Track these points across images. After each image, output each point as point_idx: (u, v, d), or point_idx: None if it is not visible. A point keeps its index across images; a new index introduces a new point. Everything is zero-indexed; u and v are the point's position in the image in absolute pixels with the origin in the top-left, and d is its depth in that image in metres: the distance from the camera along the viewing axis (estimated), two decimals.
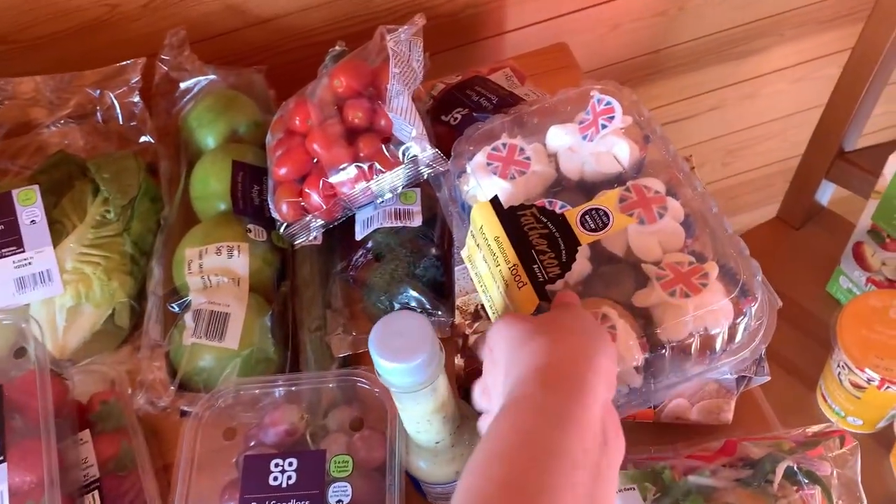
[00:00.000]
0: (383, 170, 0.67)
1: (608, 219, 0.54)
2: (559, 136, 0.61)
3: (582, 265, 0.53)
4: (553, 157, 0.61)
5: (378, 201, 0.69)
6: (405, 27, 0.72)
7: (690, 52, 1.19)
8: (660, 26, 1.13)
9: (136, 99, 0.80)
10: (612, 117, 0.59)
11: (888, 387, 0.82)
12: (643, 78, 1.21)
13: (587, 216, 0.54)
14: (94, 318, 0.70)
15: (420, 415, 0.50)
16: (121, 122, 0.80)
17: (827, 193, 1.13)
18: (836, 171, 1.06)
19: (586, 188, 0.59)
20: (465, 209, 0.59)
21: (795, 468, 0.48)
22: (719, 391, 0.58)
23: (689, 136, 1.39)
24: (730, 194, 1.59)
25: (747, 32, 1.20)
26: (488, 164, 0.59)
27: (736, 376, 0.57)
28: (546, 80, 0.88)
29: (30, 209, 0.71)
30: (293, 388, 0.59)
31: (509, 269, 0.52)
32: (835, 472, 0.50)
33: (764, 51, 1.25)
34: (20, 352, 0.61)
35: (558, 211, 0.55)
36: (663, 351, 0.50)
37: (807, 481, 0.48)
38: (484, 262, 0.55)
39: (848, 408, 0.90)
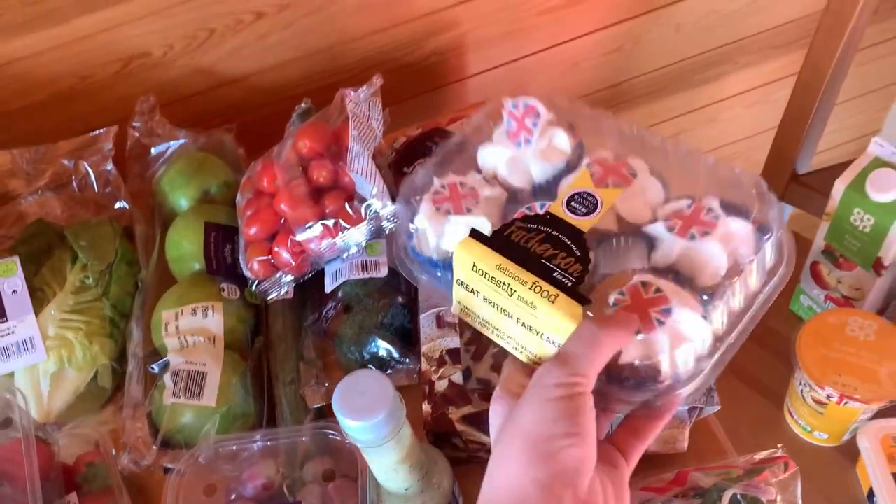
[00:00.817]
0: (348, 226, 0.70)
1: (595, 198, 0.52)
2: (493, 154, 0.58)
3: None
4: (495, 178, 0.58)
5: (344, 255, 0.73)
6: (364, 88, 0.75)
7: (650, 83, 1.24)
8: (618, 61, 1.17)
9: (110, 166, 0.83)
10: (538, 113, 0.57)
11: (847, 402, 0.85)
12: (606, 110, 1.25)
13: (573, 203, 0.52)
14: (78, 382, 0.73)
15: (387, 465, 0.53)
16: (96, 190, 0.83)
17: (785, 215, 1.17)
18: (791, 193, 1.10)
19: (543, 189, 0.57)
20: (436, 265, 0.55)
21: (739, 497, 0.51)
22: (672, 421, 0.61)
23: None
24: None
25: (703, 61, 1.25)
26: (438, 209, 0.55)
27: (687, 407, 0.61)
28: None
29: (11, 280, 0.74)
30: (269, 443, 0.62)
31: (530, 289, 0.47)
32: (778, 498, 0.53)
33: (720, 78, 1.30)
34: (6, 422, 0.64)
35: (541, 211, 0.52)
36: (707, 300, 0.48)
37: None
38: (489, 305, 0.50)
39: (813, 423, 0.93)
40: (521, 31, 1.05)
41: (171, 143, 0.84)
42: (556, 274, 0.48)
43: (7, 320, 0.72)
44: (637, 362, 0.46)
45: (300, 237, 0.70)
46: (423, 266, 0.55)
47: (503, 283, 0.48)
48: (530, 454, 0.42)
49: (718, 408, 0.62)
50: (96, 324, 0.74)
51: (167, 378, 0.67)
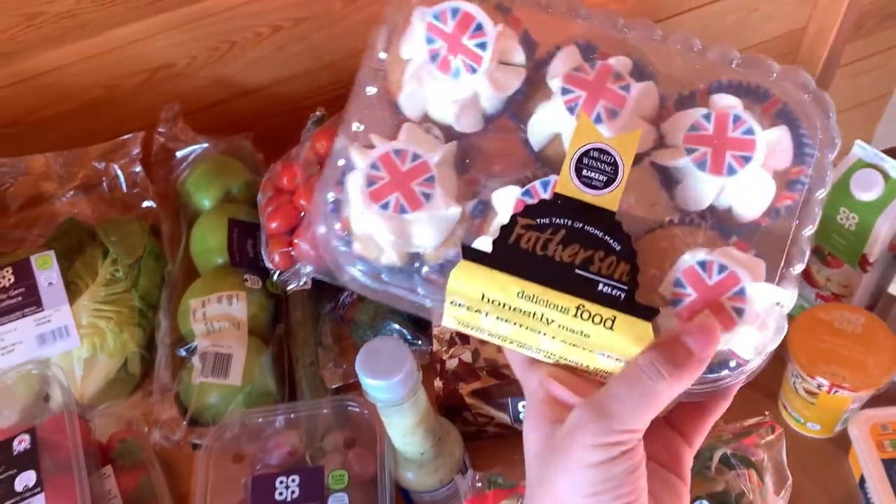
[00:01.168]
0: None
1: (611, 155, 0.39)
2: (419, 97, 0.43)
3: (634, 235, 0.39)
4: (427, 119, 0.44)
5: None
6: None
7: None
8: None
9: (138, 169, 0.88)
10: (480, 26, 0.42)
11: (836, 391, 0.89)
12: None
13: (584, 171, 0.39)
14: (109, 368, 0.77)
15: (405, 427, 0.57)
16: (124, 190, 0.88)
17: None
18: None
19: (500, 126, 0.44)
20: (397, 271, 0.42)
21: (730, 455, 0.56)
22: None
23: None
24: None
25: None
26: (383, 207, 0.40)
27: None
28: None
29: (47, 272, 0.79)
30: (292, 416, 0.66)
31: (575, 316, 0.37)
32: (765, 457, 0.57)
33: None
34: (45, 398, 0.68)
35: (548, 196, 0.39)
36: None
37: (741, 465, 0.55)
38: (509, 324, 0.39)
39: (806, 414, 0.97)
40: None
41: (195, 147, 0.89)
42: (602, 287, 0.37)
43: (44, 310, 0.76)
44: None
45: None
46: (375, 275, 0.42)
47: (533, 314, 0.38)
48: None
49: None
50: (126, 313, 0.78)
51: (195, 360, 0.72)
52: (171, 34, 0.90)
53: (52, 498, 0.60)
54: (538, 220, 0.38)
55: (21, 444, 0.62)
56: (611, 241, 0.38)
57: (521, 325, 0.38)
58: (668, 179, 0.42)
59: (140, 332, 0.79)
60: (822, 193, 0.41)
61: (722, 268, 0.38)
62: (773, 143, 0.40)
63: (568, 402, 0.38)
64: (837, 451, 0.98)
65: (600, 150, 0.39)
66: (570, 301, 0.37)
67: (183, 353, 0.75)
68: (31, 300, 0.77)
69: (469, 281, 0.38)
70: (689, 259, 0.38)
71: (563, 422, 0.36)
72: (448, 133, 0.43)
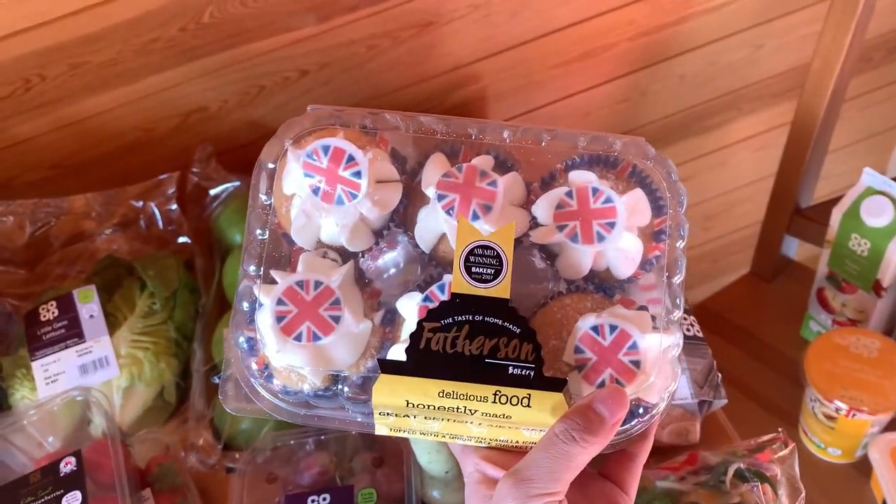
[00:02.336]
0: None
1: (493, 249, 0.43)
2: (312, 232, 0.47)
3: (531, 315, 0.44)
4: (321, 246, 0.47)
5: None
6: None
7: (657, 130, 1.33)
8: (626, 111, 1.27)
9: (173, 206, 0.92)
10: (352, 157, 0.46)
11: (855, 414, 0.91)
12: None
13: (473, 268, 0.43)
14: (146, 396, 0.81)
15: (429, 446, 0.60)
16: (161, 227, 0.93)
17: (792, 247, 1.24)
18: (795, 226, 1.18)
19: (387, 237, 0.48)
20: (321, 395, 0.45)
21: (744, 469, 0.58)
22: (684, 415, 0.68)
23: None
24: (713, 257, 1.70)
25: (707, 110, 1.34)
26: (296, 340, 0.43)
27: (697, 401, 0.67)
28: None
29: (88, 305, 0.83)
30: (322, 438, 0.69)
31: (494, 402, 0.41)
32: (779, 471, 0.59)
33: (725, 124, 1.39)
34: (87, 424, 0.72)
35: (446, 297, 0.43)
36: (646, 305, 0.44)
37: (755, 479, 0.57)
38: (436, 421, 0.43)
39: (826, 439, 0.98)
40: (536, 84, 1.15)
41: (227, 185, 0.94)
42: (511, 370, 0.41)
43: (86, 341, 0.80)
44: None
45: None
46: (302, 403, 0.45)
47: (457, 409, 0.41)
48: None
49: (726, 401, 0.68)
50: (163, 344, 0.82)
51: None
52: (204, 80, 0.95)
53: None
54: (442, 322, 0.41)
55: (67, 465, 0.66)
56: (511, 327, 0.41)
57: (448, 420, 0.42)
58: (549, 254, 0.46)
59: (176, 361, 0.82)
60: (681, 243, 0.46)
61: (613, 328, 0.42)
62: (631, 205, 0.45)
63: (497, 477, 0.41)
64: (859, 476, 0.99)
65: (483, 247, 0.43)
66: (486, 390, 0.40)
67: (217, 380, 0.78)
68: (73, 332, 0.81)
69: (391, 392, 0.41)
70: (583, 326, 0.42)
71: (490, 498, 0.40)
72: (343, 253, 0.46)
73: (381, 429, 0.43)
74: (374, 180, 0.46)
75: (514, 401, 0.40)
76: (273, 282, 0.44)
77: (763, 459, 0.61)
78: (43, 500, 0.64)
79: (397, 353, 0.42)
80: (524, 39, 1.08)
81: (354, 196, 0.45)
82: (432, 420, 0.42)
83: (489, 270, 0.42)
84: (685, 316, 0.72)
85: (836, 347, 0.96)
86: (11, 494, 0.65)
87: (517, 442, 0.43)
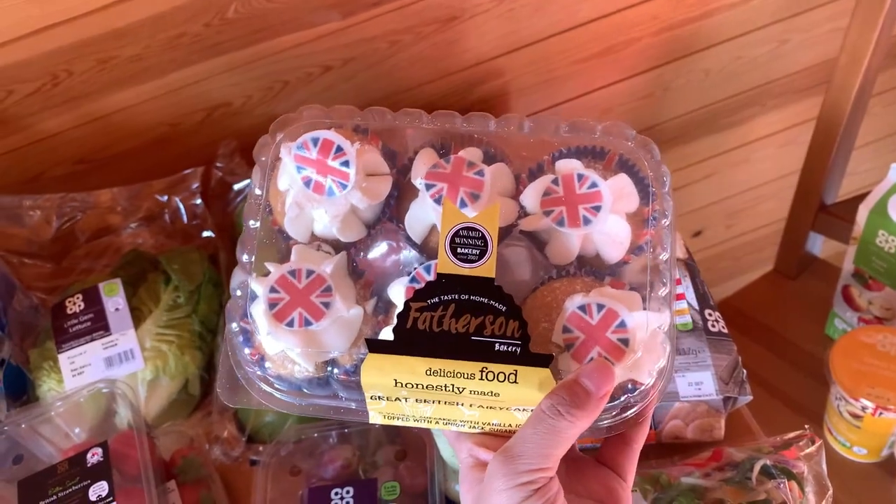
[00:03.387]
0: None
1: (478, 230, 0.43)
2: (304, 222, 0.47)
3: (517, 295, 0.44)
4: (327, 248, 0.48)
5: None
6: None
7: (680, 127, 1.32)
8: (649, 107, 1.26)
9: (198, 201, 0.93)
10: (340, 148, 0.47)
11: (881, 413, 0.90)
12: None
13: (458, 249, 0.43)
14: (171, 389, 0.81)
15: None
16: (185, 222, 0.93)
17: (817, 244, 1.23)
18: (820, 223, 1.17)
19: (379, 229, 0.48)
20: (315, 383, 0.45)
21: (771, 466, 0.57)
22: (709, 411, 0.67)
23: (690, 202, 1.50)
24: (736, 254, 1.69)
25: (731, 105, 1.33)
26: (287, 324, 0.44)
27: (722, 397, 0.67)
28: None
29: (114, 299, 0.83)
30: (345, 431, 0.69)
31: (481, 379, 0.41)
32: (806, 469, 0.59)
33: (749, 120, 1.38)
34: (113, 416, 0.73)
35: (432, 278, 0.43)
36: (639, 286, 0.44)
37: (782, 476, 0.57)
38: (427, 404, 0.43)
39: (851, 438, 0.97)
40: (558, 80, 1.14)
41: (250, 180, 0.94)
42: (498, 346, 0.41)
43: (111, 334, 0.81)
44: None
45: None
46: (296, 391, 0.45)
47: (444, 387, 0.41)
48: None
49: (751, 398, 0.68)
50: (187, 337, 0.83)
51: None
52: (228, 75, 0.96)
53: None
54: (428, 301, 0.42)
55: (94, 456, 0.66)
56: (497, 305, 0.42)
57: (438, 402, 0.42)
58: (538, 243, 0.46)
59: (200, 354, 0.83)
60: (666, 222, 0.46)
61: (600, 307, 0.42)
62: (617, 189, 0.46)
63: (489, 460, 0.41)
64: (886, 477, 0.98)
65: (468, 228, 0.43)
66: (473, 367, 0.41)
67: None
68: (99, 325, 0.81)
69: (379, 371, 0.41)
70: (570, 305, 0.42)
71: (482, 480, 0.40)
72: (337, 245, 0.47)
73: (375, 416, 0.44)
74: (364, 172, 0.47)
75: (501, 377, 0.41)
76: (267, 273, 0.45)
77: (789, 456, 0.60)
78: (70, 489, 0.64)
79: (386, 334, 0.43)
80: (547, 34, 1.07)
81: (344, 186, 0.46)
82: (423, 403, 0.42)
83: (474, 251, 0.43)
84: (710, 311, 0.72)
85: (861, 345, 0.95)
86: (40, 484, 0.65)
87: (509, 425, 0.43)
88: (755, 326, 1.18)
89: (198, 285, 0.86)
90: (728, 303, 1.23)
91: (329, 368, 0.44)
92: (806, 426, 0.62)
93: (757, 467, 0.57)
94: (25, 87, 0.88)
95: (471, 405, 0.42)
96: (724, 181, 1.49)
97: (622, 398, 0.43)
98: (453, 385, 0.41)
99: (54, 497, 0.64)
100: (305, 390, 0.45)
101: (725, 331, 0.71)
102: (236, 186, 0.94)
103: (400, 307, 0.43)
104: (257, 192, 0.49)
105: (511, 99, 1.14)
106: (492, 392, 0.41)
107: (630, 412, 0.43)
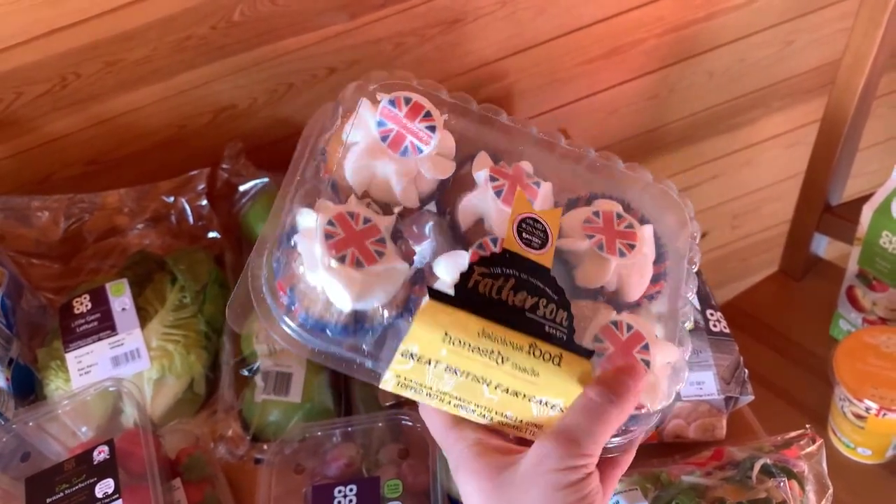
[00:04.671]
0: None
1: (541, 224, 0.45)
2: (367, 168, 0.47)
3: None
4: (366, 196, 0.48)
5: None
6: None
7: (686, 127, 1.32)
8: (654, 107, 1.26)
9: (204, 202, 0.94)
10: (429, 114, 0.48)
11: (885, 414, 0.90)
12: (644, 154, 1.34)
13: (524, 234, 0.45)
14: (176, 388, 0.82)
15: None
16: (191, 223, 0.94)
17: (822, 245, 1.23)
18: (824, 224, 1.17)
19: (439, 200, 0.50)
20: (341, 330, 0.44)
21: (771, 464, 0.58)
22: (711, 411, 0.68)
23: (695, 203, 1.48)
24: (742, 255, 1.69)
25: (736, 106, 1.33)
26: (340, 259, 0.43)
27: (724, 396, 0.67)
28: None
29: (120, 299, 0.84)
30: (349, 430, 0.70)
31: (528, 353, 0.41)
32: (806, 468, 0.59)
33: (754, 122, 1.38)
34: (119, 414, 0.74)
35: (496, 248, 0.45)
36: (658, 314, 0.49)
37: (782, 475, 0.57)
38: (453, 375, 0.42)
39: (855, 439, 0.97)
40: (562, 81, 1.15)
41: (256, 182, 0.95)
42: (548, 328, 0.42)
43: (118, 333, 0.82)
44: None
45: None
46: (319, 332, 0.44)
47: (490, 352, 0.41)
48: None
49: (752, 398, 0.68)
50: (193, 337, 0.83)
51: (258, 379, 0.77)
52: (234, 78, 0.96)
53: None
54: (492, 269, 0.42)
55: (100, 454, 0.67)
56: (550, 292, 0.43)
57: (467, 376, 0.41)
58: (566, 265, 0.48)
59: (206, 354, 0.84)
60: (689, 294, 0.50)
61: (629, 326, 0.44)
62: (646, 238, 0.49)
63: (511, 447, 0.42)
64: (890, 477, 0.98)
65: (534, 220, 0.45)
66: (524, 339, 0.41)
67: (246, 373, 0.80)
68: (105, 325, 0.82)
69: (433, 320, 0.40)
70: (603, 319, 0.45)
71: (510, 464, 0.40)
72: (385, 212, 0.47)
73: (389, 380, 0.42)
74: (437, 148, 0.48)
75: (547, 357, 0.41)
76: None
77: (790, 456, 0.60)
78: (77, 487, 0.65)
79: (444, 287, 0.42)
80: (551, 36, 1.08)
81: (420, 150, 0.47)
82: (450, 374, 0.41)
83: (537, 240, 0.44)
84: (712, 312, 0.72)
85: (866, 346, 0.95)
86: (47, 481, 0.66)
87: (519, 421, 0.43)
88: (760, 327, 1.18)
89: (204, 285, 0.87)
90: (733, 304, 1.23)
91: (360, 321, 0.43)
92: (807, 426, 0.62)
93: (757, 466, 0.57)
94: (35, 89, 0.89)
95: (497, 387, 0.41)
96: (730, 183, 1.49)
97: (629, 424, 0.43)
98: (500, 353, 0.41)
99: (61, 494, 0.65)
100: (330, 334, 0.43)
101: (727, 331, 0.71)
102: (242, 187, 0.95)
103: (446, 279, 0.43)
104: (325, 137, 0.50)
105: (514, 100, 1.15)
106: (532, 370, 0.41)
107: (630, 434, 0.44)
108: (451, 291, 0.41)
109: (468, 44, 1.04)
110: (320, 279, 0.42)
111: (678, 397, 0.46)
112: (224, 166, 0.96)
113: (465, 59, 1.06)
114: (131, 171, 0.99)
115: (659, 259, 0.50)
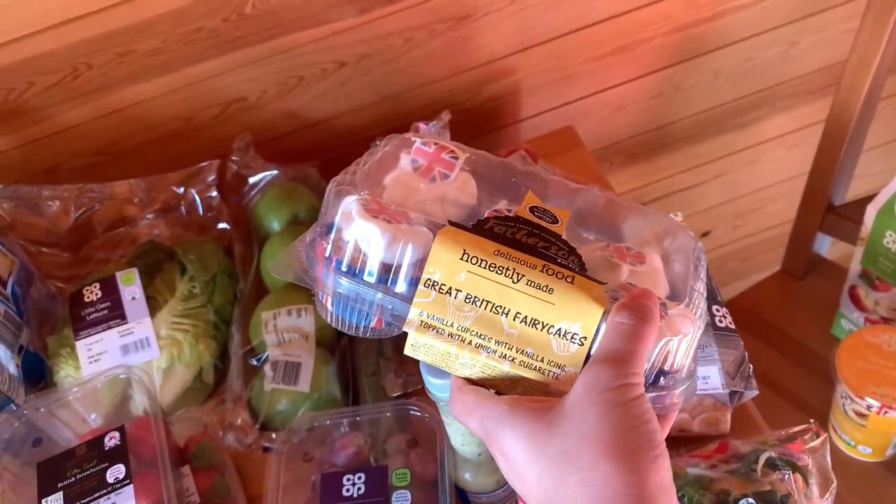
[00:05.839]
0: None
1: (551, 212, 0.49)
2: (404, 184, 0.52)
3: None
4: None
5: None
6: (434, 122, 0.86)
7: (690, 126, 1.33)
8: (659, 106, 1.27)
9: (213, 193, 0.94)
10: (453, 151, 0.53)
11: (887, 412, 0.91)
12: (649, 152, 1.34)
13: (536, 213, 0.49)
14: (185, 377, 0.83)
15: (464, 428, 0.61)
16: (200, 213, 0.95)
17: (825, 245, 1.23)
18: (827, 223, 1.17)
19: None
20: (381, 279, 0.45)
21: (776, 457, 0.58)
22: (715, 405, 0.68)
23: (698, 202, 1.51)
24: (743, 255, 1.70)
25: (741, 106, 1.33)
26: (376, 217, 0.46)
27: (729, 391, 0.68)
28: (556, 159, 1.01)
29: (130, 288, 0.85)
30: (357, 419, 0.71)
31: (542, 271, 0.43)
32: (810, 461, 0.60)
33: (759, 121, 1.38)
34: (129, 401, 0.74)
35: (511, 213, 0.48)
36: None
37: (786, 468, 0.58)
38: (472, 305, 0.44)
39: (856, 436, 0.98)
40: (570, 78, 1.15)
41: (265, 174, 0.96)
42: (560, 260, 0.44)
43: (128, 322, 0.82)
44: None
45: None
46: (349, 277, 0.46)
47: (506, 270, 0.43)
48: (619, 468, 0.37)
49: (757, 392, 0.69)
50: (202, 326, 0.84)
51: (267, 368, 0.77)
52: (245, 70, 0.97)
53: (140, 490, 0.65)
54: (507, 222, 0.47)
55: (112, 440, 0.68)
56: (562, 245, 0.46)
57: (486, 305, 0.43)
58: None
59: (214, 343, 0.85)
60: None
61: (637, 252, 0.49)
62: (656, 260, 0.50)
63: (550, 399, 0.42)
64: (890, 475, 0.99)
65: (544, 210, 0.49)
66: (537, 261, 0.44)
67: (255, 362, 0.80)
68: (116, 313, 0.83)
69: (453, 241, 0.44)
70: (619, 277, 0.47)
71: (555, 405, 0.41)
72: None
73: (413, 319, 0.45)
74: (459, 183, 0.52)
75: (560, 276, 0.43)
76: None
77: (794, 449, 0.61)
78: (88, 472, 0.66)
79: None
80: (560, 33, 1.08)
81: (447, 176, 0.52)
82: (470, 305, 0.43)
83: (548, 217, 0.48)
84: (718, 307, 0.73)
85: (867, 345, 0.95)
86: (59, 466, 0.67)
87: (541, 359, 0.44)
88: (762, 326, 1.19)
89: (213, 276, 0.88)
90: (736, 302, 1.24)
91: (388, 271, 0.46)
92: (811, 420, 0.63)
93: (762, 459, 0.58)
94: (46, 79, 0.90)
95: (515, 316, 0.43)
96: (733, 182, 1.50)
97: (660, 381, 0.44)
98: (515, 270, 0.43)
99: (73, 479, 0.66)
100: (363, 277, 0.45)
101: (732, 326, 0.72)
102: (251, 179, 0.96)
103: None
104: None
105: (522, 97, 1.15)
106: (548, 287, 0.43)
107: (662, 393, 0.44)
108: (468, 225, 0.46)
109: (477, 39, 1.04)
110: (355, 230, 0.46)
111: (693, 385, 0.46)
112: (234, 158, 0.97)
113: (474, 55, 1.07)
114: (140, 163, 0.99)
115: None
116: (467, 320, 0.44)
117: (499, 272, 0.43)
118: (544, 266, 0.43)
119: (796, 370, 1.14)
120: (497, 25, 1.03)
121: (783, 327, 1.19)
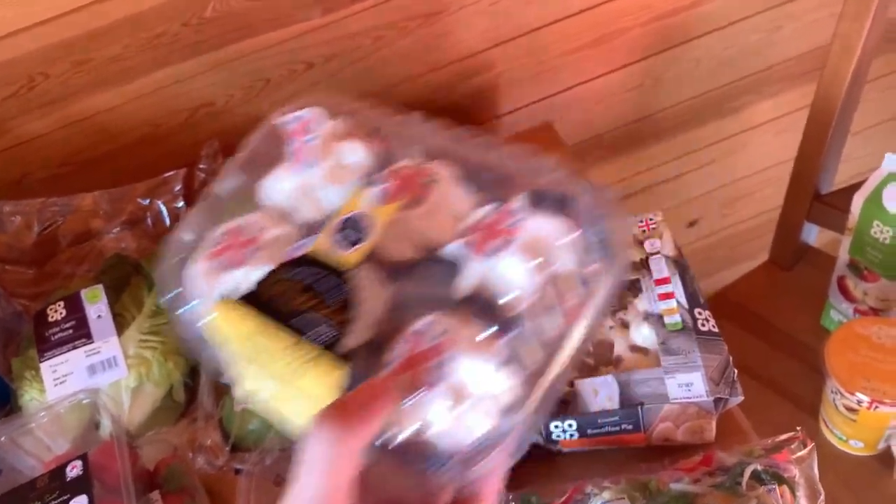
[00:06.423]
0: None
1: (366, 221, 0.44)
2: (276, 186, 0.49)
3: (371, 292, 0.42)
4: (285, 214, 0.49)
5: None
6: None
7: (675, 116, 1.31)
8: (641, 97, 1.24)
9: (181, 204, 0.92)
10: (311, 128, 0.49)
11: (877, 407, 0.89)
12: (634, 143, 1.32)
13: (347, 230, 0.44)
14: (155, 396, 0.80)
15: None
16: (168, 225, 0.92)
17: (812, 234, 1.21)
18: (814, 212, 1.15)
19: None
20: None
21: (761, 470, 0.56)
22: (699, 413, 0.66)
23: (687, 191, 1.49)
24: (732, 243, 1.68)
25: (725, 94, 1.31)
26: (215, 265, 0.45)
27: (713, 398, 0.66)
28: None
29: (96, 305, 0.82)
30: None
31: (292, 349, 0.40)
32: (797, 472, 0.57)
33: (745, 108, 1.36)
34: (97, 426, 0.72)
35: (297, 253, 0.43)
36: (519, 328, 0.40)
37: (772, 481, 0.56)
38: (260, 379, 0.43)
39: (847, 431, 0.96)
40: (550, 71, 1.13)
41: None
42: (319, 328, 0.40)
43: (94, 341, 0.80)
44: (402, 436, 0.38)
45: None
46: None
47: (266, 352, 0.41)
48: None
49: (742, 398, 0.66)
50: (170, 343, 0.81)
51: None
52: (210, 75, 0.94)
53: None
54: (288, 276, 0.43)
55: (74, 470, 0.65)
56: (339, 291, 0.42)
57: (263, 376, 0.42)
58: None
59: (184, 360, 0.82)
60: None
61: (444, 331, 0.39)
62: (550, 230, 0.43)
63: None
64: (883, 470, 0.97)
65: (362, 216, 0.44)
66: (288, 340, 0.40)
67: (225, 380, 0.78)
68: (81, 332, 0.80)
69: (224, 318, 0.43)
70: (416, 325, 0.40)
71: None
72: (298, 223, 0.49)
73: (238, 390, 0.46)
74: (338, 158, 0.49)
75: (305, 357, 0.40)
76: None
77: (781, 459, 0.59)
78: None
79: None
80: (537, 25, 1.06)
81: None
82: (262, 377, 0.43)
83: (355, 235, 0.44)
84: (700, 311, 0.71)
85: (857, 337, 0.93)
86: (20, 499, 0.64)
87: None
88: (749, 318, 1.17)
89: None
90: (723, 294, 1.22)
91: None
92: (798, 428, 0.61)
93: (747, 472, 0.56)
94: (1, 91, 0.86)
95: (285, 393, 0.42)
96: (720, 170, 1.47)
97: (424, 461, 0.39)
98: (267, 354, 0.41)
99: None
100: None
101: (716, 330, 0.69)
102: None
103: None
104: None
105: (501, 92, 1.13)
106: (292, 371, 0.40)
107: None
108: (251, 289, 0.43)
109: (452, 35, 1.02)
110: (192, 283, 0.48)
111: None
112: (201, 166, 0.94)
113: (450, 51, 1.04)
114: (107, 172, 0.97)
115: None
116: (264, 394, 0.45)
117: (259, 354, 0.42)
118: (296, 345, 0.40)
119: (785, 363, 1.12)
120: (473, 20, 1.01)
121: (771, 319, 1.17)
